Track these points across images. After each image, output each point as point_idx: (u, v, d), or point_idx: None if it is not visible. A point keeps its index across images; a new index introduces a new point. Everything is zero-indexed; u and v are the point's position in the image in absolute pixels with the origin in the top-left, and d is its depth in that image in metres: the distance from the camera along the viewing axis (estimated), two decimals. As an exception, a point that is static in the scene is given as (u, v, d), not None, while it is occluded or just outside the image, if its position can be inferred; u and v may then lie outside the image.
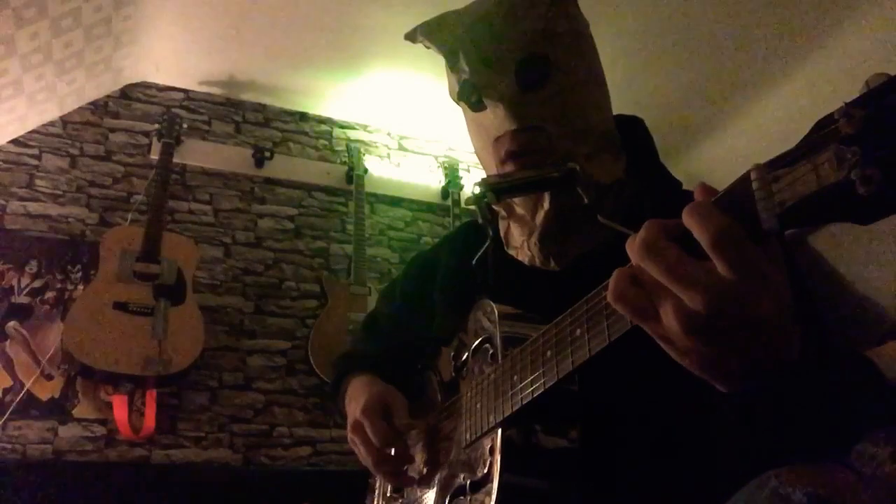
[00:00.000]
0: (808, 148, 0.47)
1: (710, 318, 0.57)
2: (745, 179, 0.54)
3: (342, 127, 3.41)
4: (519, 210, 1.10)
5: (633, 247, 0.61)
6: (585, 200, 0.99)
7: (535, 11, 1.05)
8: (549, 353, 0.79)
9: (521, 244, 1.12)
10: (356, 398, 1.18)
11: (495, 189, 1.05)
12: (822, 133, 0.47)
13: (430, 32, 1.15)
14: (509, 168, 1.05)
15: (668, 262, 0.58)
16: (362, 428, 1.11)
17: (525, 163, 1.04)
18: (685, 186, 1.16)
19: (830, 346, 0.84)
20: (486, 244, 1.16)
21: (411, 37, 1.19)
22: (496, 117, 1.05)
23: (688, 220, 0.57)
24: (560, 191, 1.03)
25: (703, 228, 0.55)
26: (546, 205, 1.05)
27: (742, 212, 0.53)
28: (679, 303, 0.58)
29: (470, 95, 1.09)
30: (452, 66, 1.11)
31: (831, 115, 0.45)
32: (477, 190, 1.07)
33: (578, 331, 0.73)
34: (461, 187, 3.37)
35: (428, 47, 1.17)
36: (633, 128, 1.17)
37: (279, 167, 3.15)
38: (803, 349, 0.62)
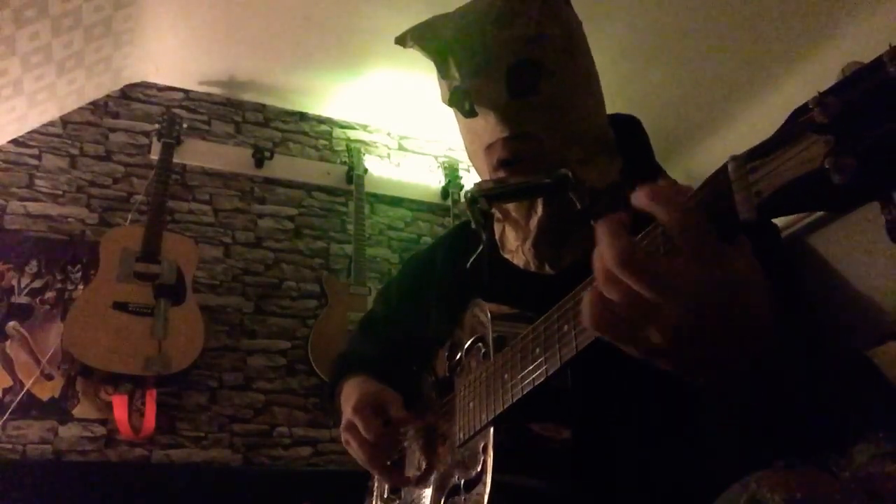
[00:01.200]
0: (784, 138, 0.47)
1: (694, 324, 0.57)
2: (721, 171, 0.53)
3: (342, 127, 3.42)
4: (514, 214, 1.10)
5: (605, 261, 0.58)
6: (578, 206, 0.99)
7: (524, 16, 1.03)
8: (537, 349, 0.79)
9: (516, 248, 1.12)
10: (349, 399, 1.17)
11: (488, 195, 1.05)
12: (797, 122, 0.46)
13: (420, 38, 1.14)
14: (502, 175, 1.05)
15: (651, 274, 0.56)
16: (355, 426, 1.10)
17: (517, 170, 1.04)
18: (683, 187, 1.15)
19: (823, 344, 0.84)
20: (480, 248, 1.16)
21: (402, 41, 1.18)
22: (488, 125, 1.04)
23: (649, 203, 0.57)
24: (553, 196, 1.03)
25: (666, 213, 0.55)
26: (539, 210, 1.05)
27: (719, 203, 0.53)
28: (661, 316, 0.57)
29: (461, 103, 1.08)
30: (443, 73, 1.10)
31: (806, 104, 0.45)
32: (469, 195, 1.07)
33: (566, 327, 0.72)
34: (461, 187, 3.37)
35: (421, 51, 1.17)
36: (629, 128, 1.17)
37: (279, 167, 3.16)
38: (780, 340, 0.62)
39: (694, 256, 0.55)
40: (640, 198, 0.57)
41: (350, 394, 1.19)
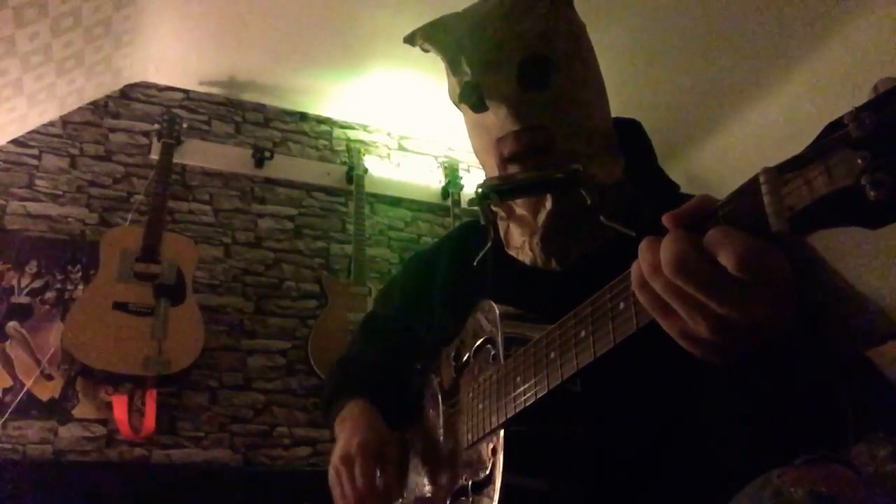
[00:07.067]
0: (818, 151, 0.47)
1: (741, 326, 0.59)
2: (753, 182, 0.54)
3: (342, 127, 3.41)
4: (519, 211, 1.11)
5: (663, 256, 0.60)
6: (589, 201, 0.99)
7: (534, 13, 1.06)
8: (552, 354, 0.79)
9: (522, 245, 1.12)
10: (351, 429, 1.15)
11: (499, 191, 1.06)
12: (832, 137, 0.46)
13: (431, 36, 1.16)
14: (513, 168, 1.06)
15: (703, 280, 0.58)
16: (352, 464, 1.09)
17: (529, 163, 1.04)
18: (684, 188, 1.16)
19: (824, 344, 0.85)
20: (488, 245, 1.16)
21: (410, 40, 1.19)
22: (498, 118, 1.05)
23: (711, 241, 0.58)
24: (563, 191, 1.04)
25: (728, 252, 0.56)
26: (548, 205, 1.06)
27: (751, 214, 0.53)
28: (708, 312, 0.59)
29: (471, 97, 1.10)
30: (454, 69, 1.12)
31: (841, 118, 0.45)
32: (480, 192, 1.08)
33: (583, 332, 0.73)
34: (461, 187, 3.37)
35: (427, 50, 1.18)
36: (631, 130, 1.18)
37: (279, 167, 3.15)
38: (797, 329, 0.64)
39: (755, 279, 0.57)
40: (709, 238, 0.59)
41: (349, 425, 1.17)
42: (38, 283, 2.59)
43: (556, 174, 1.01)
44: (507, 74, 1.04)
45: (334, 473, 1.12)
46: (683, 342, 0.63)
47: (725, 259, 0.56)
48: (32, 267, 2.61)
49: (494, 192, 1.06)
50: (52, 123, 2.85)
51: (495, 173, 1.09)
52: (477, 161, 1.20)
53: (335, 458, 1.13)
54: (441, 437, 1.10)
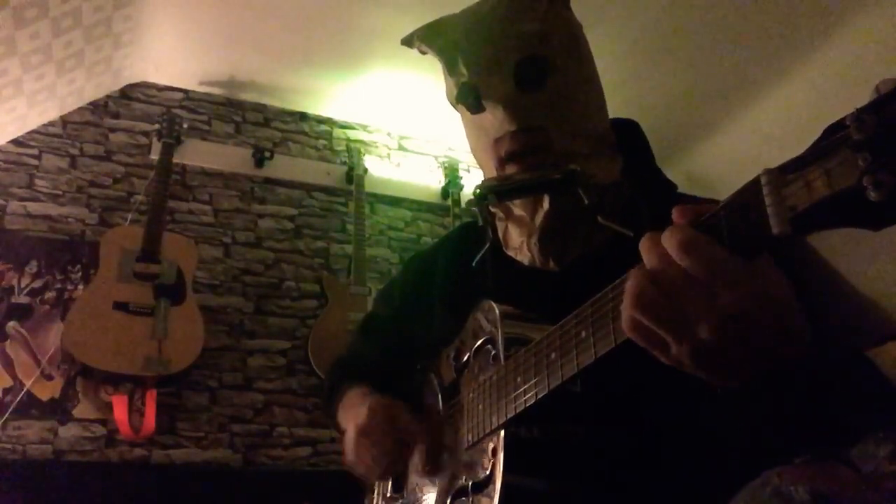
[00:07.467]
0: (819, 153, 0.47)
1: (717, 344, 0.58)
2: (754, 184, 0.53)
3: (342, 127, 3.41)
4: (517, 211, 1.11)
5: (669, 241, 0.59)
6: (586, 202, 0.99)
7: (532, 14, 1.06)
8: (553, 354, 0.79)
9: (521, 245, 1.12)
10: (352, 412, 1.16)
11: (496, 191, 1.06)
12: (833, 138, 0.46)
13: (428, 37, 1.16)
14: (510, 169, 1.06)
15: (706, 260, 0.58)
16: (373, 431, 1.08)
17: (526, 163, 1.04)
18: (684, 188, 1.17)
19: (828, 345, 0.85)
20: (487, 246, 1.16)
21: (408, 42, 1.20)
22: (495, 119, 1.05)
23: (666, 242, 0.58)
24: (560, 192, 1.04)
25: (667, 240, 0.57)
26: (546, 205, 1.06)
27: (751, 216, 0.53)
28: (690, 332, 0.59)
29: (468, 97, 1.10)
30: (451, 70, 1.12)
31: (842, 120, 0.45)
32: (478, 192, 1.08)
33: (584, 333, 0.73)
34: (461, 187, 3.37)
35: (424, 52, 1.18)
36: (629, 130, 1.18)
37: (279, 167, 3.15)
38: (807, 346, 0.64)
39: (712, 283, 0.56)
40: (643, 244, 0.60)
41: (352, 408, 1.18)
42: (38, 283, 2.59)
43: (554, 174, 1.01)
44: (504, 75, 1.04)
45: (354, 453, 1.11)
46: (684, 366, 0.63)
47: (668, 245, 0.57)
48: (32, 267, 2.61)
49: (492, 192, 1.06)
50: (52, 123, 2.85)
51: (493, 174, 1.09)
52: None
53: (351, 436, 1.12)
54: (441, 437, 1.10)
